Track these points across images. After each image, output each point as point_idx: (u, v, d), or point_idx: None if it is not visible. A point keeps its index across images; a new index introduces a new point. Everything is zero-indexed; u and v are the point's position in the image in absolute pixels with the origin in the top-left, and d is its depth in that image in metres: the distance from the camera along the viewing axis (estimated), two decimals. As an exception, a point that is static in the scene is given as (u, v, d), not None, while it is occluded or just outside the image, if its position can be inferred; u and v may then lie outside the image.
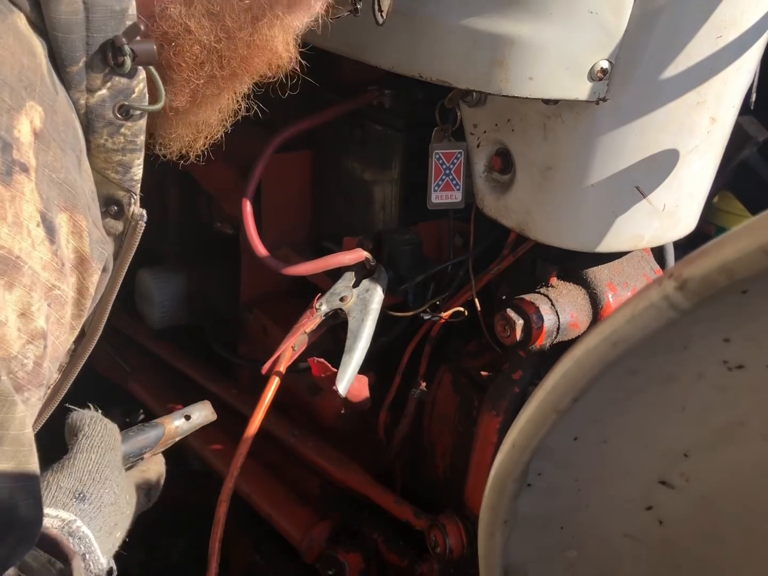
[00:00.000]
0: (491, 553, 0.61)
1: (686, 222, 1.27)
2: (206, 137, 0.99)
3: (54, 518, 0.91)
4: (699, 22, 1.07)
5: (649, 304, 0.43)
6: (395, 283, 1.36)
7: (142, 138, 0.84)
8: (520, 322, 1.24)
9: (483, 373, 1.41)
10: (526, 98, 1.09)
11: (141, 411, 2.75)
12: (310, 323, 1.32)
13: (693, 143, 1.17)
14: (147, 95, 0.82)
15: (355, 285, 1.34)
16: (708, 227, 1.54)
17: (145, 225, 0.87)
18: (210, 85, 0.87)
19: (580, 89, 1.09)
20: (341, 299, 1.32)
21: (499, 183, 1.28)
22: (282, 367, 1.27)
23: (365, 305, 1.31)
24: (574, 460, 0.56)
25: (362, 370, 1.31)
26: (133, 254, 0.88)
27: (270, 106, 1.64)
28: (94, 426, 1.05)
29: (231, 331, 1.74)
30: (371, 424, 1.49)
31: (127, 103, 0.79)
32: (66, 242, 0.74)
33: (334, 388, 1.23)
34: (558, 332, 1.26)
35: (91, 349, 0.94)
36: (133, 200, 0.86)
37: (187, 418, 1.12)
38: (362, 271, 1.36)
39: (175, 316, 1.88)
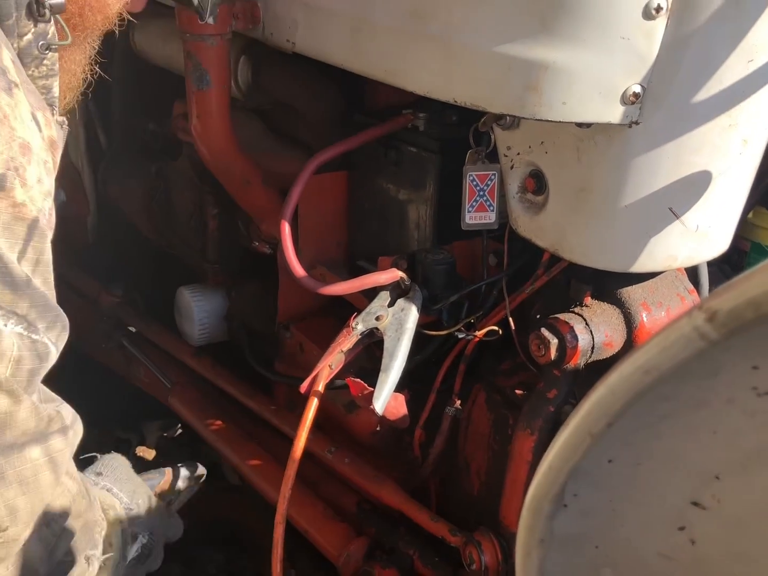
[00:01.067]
0: (528, 571, 0.63)
1: (720, 241, 1.28)
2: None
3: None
4: (730, 46, 1.08)
5: (680, 335, 0.44)
6: (430, 302, 1.38)
7: (56, 66, 1.10)
8: (554, 342, 1.25)
9: (517, 391, 1.42)
10: (560, 122, 1.11)
11: (179, 426, 2.80)
12: (346, 342, 1.34)
13: (725, 164, 1.18)
14: (56, 35, 1.08)
15: (390, 304, 1.37)
16: (743, 243, 1.55)
17: (68, 129, 1.14)
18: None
19: (613, 113, 1.10)
20: (377, 318, 1.35)
21: (532, 204, 1.30)
22: (320, 386, 1.30)
23: (401, 324, 1.33)
24: (608, 482, 0.58)
25: (397, 388, 1.33)
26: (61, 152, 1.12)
27: (305, 129, 1.69)
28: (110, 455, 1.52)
29: (268, 348, 1.78)
30: (406, 441, 1.51)
31: (45, 42, 1.06)
32: (46, 131, 1.00)
33: (372, 407, 1.26)
34: (592, 351, 1.27)
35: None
36: (55, 111, 1.11)
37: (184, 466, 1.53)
38: (397, 291, 1.39)
39: (214, 334, 1.92)
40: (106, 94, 2.22)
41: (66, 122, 1.14)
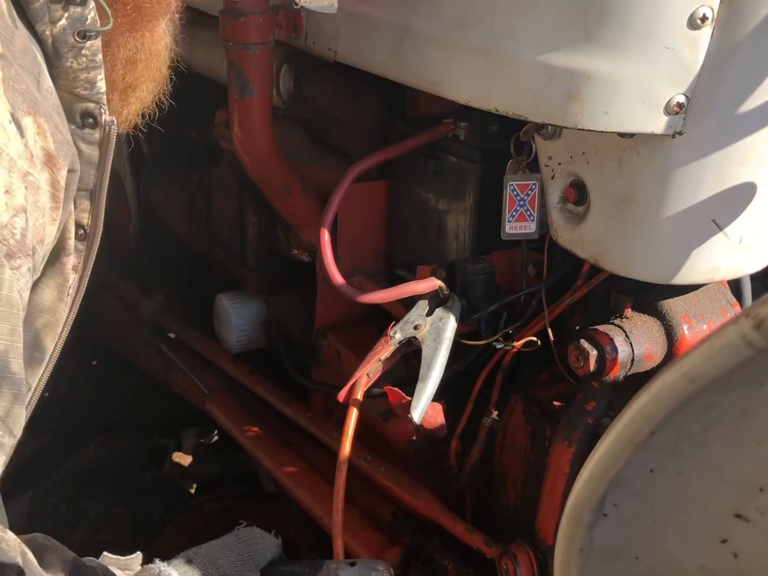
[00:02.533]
0: (568, 579, 0.62)
1: (763, 254, 1.26)
2: (144, 98, 1.11)
3: (156, 565, 1.08)
4: (777, 56, 1.07)
5: (727, 342, 0.44)
6: (468, 312, 1.37)
7: (99, 56, 0.98)
8: (594, 353, 1.24)
9: (555, 403, 1.41)
10: (602, 132, 1.11)
11: (216, 432, 2.82)
12: (384, 351, 1.34)
13: (771, 175, 1.16)
14: (98, 21, 0.97)
15: (429, 313, 1.36)
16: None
17: (116, 129, 1.01)
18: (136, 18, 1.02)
19: (656, 123, 1.09)
20: (415, 327, 1.34)
21: (573, 214, 1.29)
22: (359, 395, 1.30)
23: (439, 334, 1.33)
24: (650, 492, 0.57)
25: (435, 398, 1.32)
26: (112, 156, 1.02)
27: (346, 138, 1.69)
28: (248, 532, 1.19)
29: (306, 356, 1.78)
30: (442, 451, 1.51)
31: (83, 28, 0.95)
32: (33, 141, 0.87)
33: (409, 416, 1.25)
34: (632, 364, 1.25)
35: (96, 248, 1.06)
36: (103, 110, 1.00)
37: (352, 564, 1.12)
38: (435, 300, 1.38)
39: (252, 340, 1.94)
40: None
41: (114, 122, 1.01)
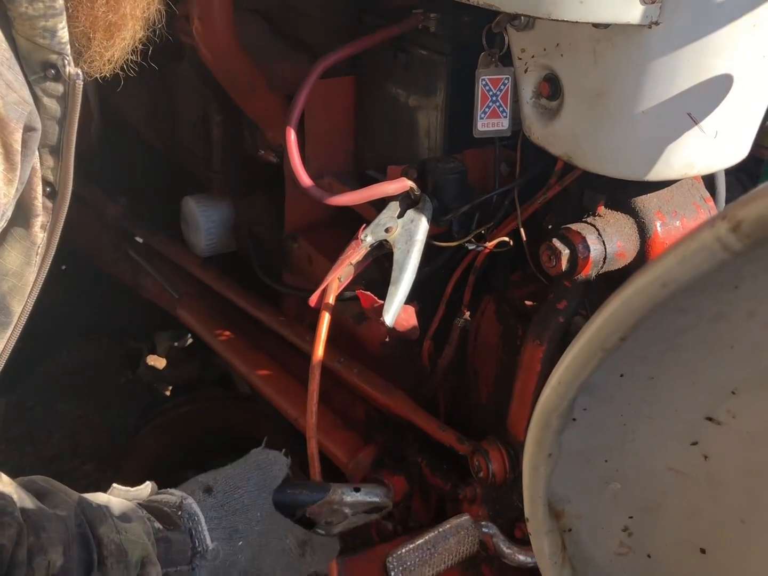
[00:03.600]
0: (535, 485, 0.62)
1: (738, 149, 1.24)
2: (123, 43, 1.00)
3: (170, 494, 1.05)
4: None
5: (702, 246, 0.42)
6: (440, 213, 1.35)
7: (60, 2, 0.89)
8: (566, 252, 1.22)
9: (527, 302, 1.41)
10: (576, 22, 1.06)
11: (189, 336, 2.81)
12: (355, 254, 1.32)
13: (747, 68, 1.13)
14: None
15: (400, 215, 1.34)
16: (761, 151, 1.51)
17: (82, 84, 0.93)
18: None
19: (632, 13, 1.05)
20: (386, 230, 1.32)
21: (546, 109, 1.25)
22: (330, 299, 1.28)
23: (410, 236, 1.30)
24: (620, 396, 0.56)
25: (407, 300, 1.31)
26: (78, 111, 0.95)
27: (313, 31, 1.63)
28: (260, 456, 1.14)
29: (276, 260, 1.76)
30: (415, 352, 1.51)
31: None
32: None
33: (382, 319, 1.24)
34: (604, 262, 1.24)
35: (66, 205, 1.01)
36: (66, 61, 0.92)
37: (357, 489, 1.13)
38: (407, 201, 1.36)
39: (221, 244, 1.91)
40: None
41: (80, 76, 0.92)
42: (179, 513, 1.02)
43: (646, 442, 0.60)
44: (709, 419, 0.55)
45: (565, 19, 1.06)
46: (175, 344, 2.85)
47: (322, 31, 1.58)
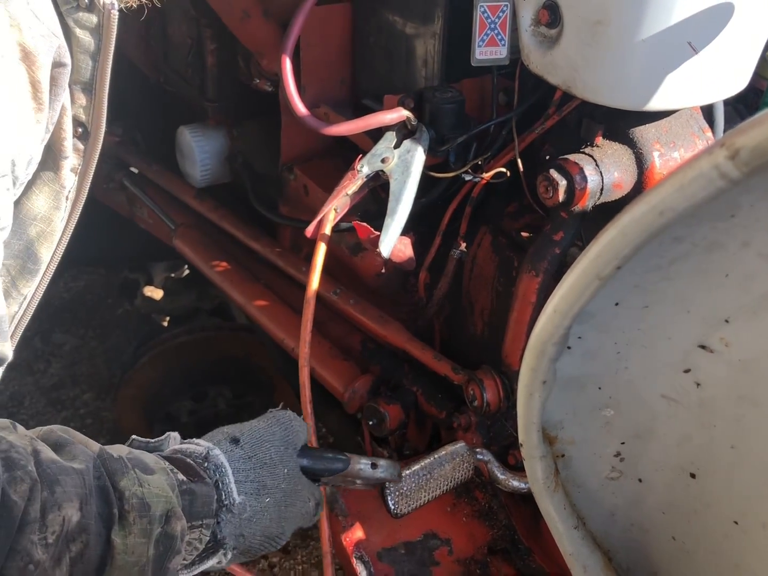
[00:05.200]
0: (530, 411, 0.63)
1: (738, 79, 1.23)
2: None
3: (195, 445, 0.99)
4: None
5: (699, 174, 0.42)
6: (437, 143, 1.34)
7: None
8: (563, 183, 1.22)
9: (523, 234, 1.41)
10: (577, -53, 1.05)
11: (186, 267, 2.81)
12: (351, 185, 1.32)
13: (753, -5, 1.12)
14: None
15: (396, 145, 1.33)
16: (760, 82, 1.49)
17: (117, 14, 0.89)
18: None
19: (634, -63, 1.03)
20: (382, 161, 1.32)
21: (545, 37, 1.23)
22: (326, 230, 1.28)
23: (407, 167, 1.30)
24: (614, 325, 0.57)
25: (403, 231, 1.31)
26: (113, 44, 0.91)
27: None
28: (285, 415, 1.09)
29: (272, 190, 1.75)
30: (411, 282, 1.51)
31: None
32: (6, 34, 0.77)
33: (378, 250, 1.24)
34: (601, 193, 1.24)
35: (99, 146, 0.98)
36: None
37: (374, 466, 1.11)
38: (403, 131, 1.35)
39: (216, 175, 1.89)
40: None
41: (115, 5, 0.88)
42: (205, 465, 0.96)
43: (640, 369, 0.61)
44: (702, 347, 0.56)
45: (566, -56, 1.04)
46: (172, 275, 2.86)
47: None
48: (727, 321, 0.53)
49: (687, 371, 0.58)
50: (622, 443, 0.71)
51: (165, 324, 2.72)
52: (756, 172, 0.40)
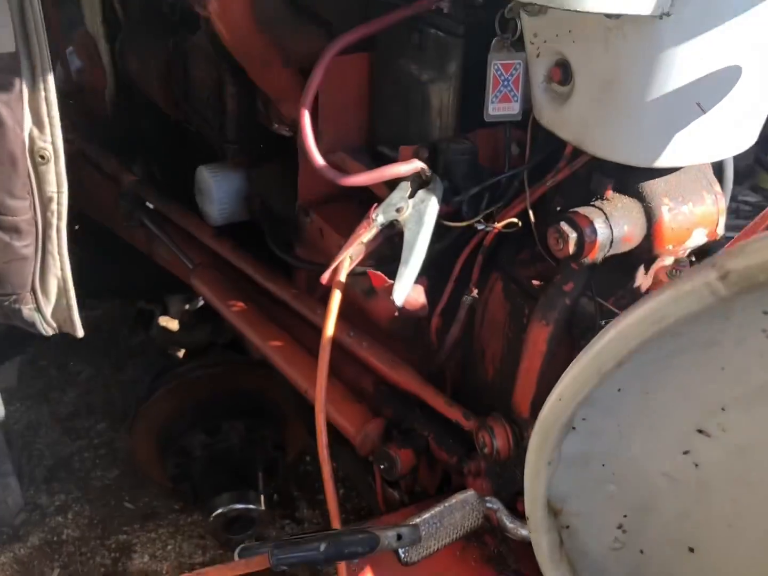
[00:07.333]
0: (535, 488, 0.65)
1: (747, 136, 1.25)
2: None
3: None
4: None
5: (692, 289, 0.45)
6: (450, 194, 1.37)
7: None
8: (573, 236, 1.25)
9: (534, 282, 1.43)
10: (588, 12, 1.08)
11: (200, 298, 2.85)
12: (366, 233, 1.35)
13: (757, 59, 1.14)
14: None
15: (411, 195, 1.36)
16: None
17: None
18: None
19: (644, 3, 1.06)
20: (397, 210, 1.35)
21: (557, 94, 1.27)
22: (342, 277, 1.31)
23: (420, 217, 1.33)
24: (617, 408, 0.59)
25: (416, 278, 1.34)
26: None
27: (327, 6, 1.63)
28: None
29: (288, 232, 1.78)
30: (424, 327, 1.54)
31: None
32: None
33: (392, 298, 1.27)
34: (611, 246, 1.26)
35: None
36: None
37: (399, 537, 1.12)
38: (418, 181, 1.38)
39: (234, 213, 1.93)
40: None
41: None
42: None
43: (641, 448, 0.63)
44: (700, 431, 0.58)
45: (579, 10, 1.07)
46: (187, 306, 2.89)
47: (337, 4, 1.59)
48: (723, 409, 0.55)
49: (686, 453, 0.60)
50: (625, 516, 0.73)
51: (180, 357, 2.75)
52: (743, 291, 0.43)
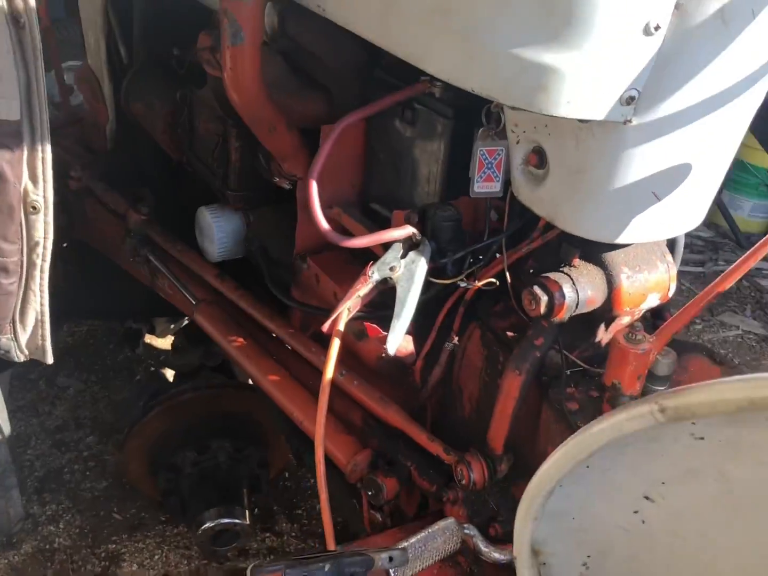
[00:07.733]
0: (524, 535, 0.84)
1: (697, 216, 1.44)
2: None
3: None
4: (716, 62, 1.23)
5: (638, 414, 0.64)
6: (437, 255, 1.55)
7: None
8: (544, 298, 1.43)
9: (508, 333, 1.62)
10: (563, 117, 1.27)
11: (186, 319, 2.97)
12: (363, 288, 1.53)
13: (707, 158, 1.34)
14: None
15: (403, 256, 1.54)
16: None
17: None
18: None
19: (611, 112, 1.25)
20: (390, 269, 1.52)
21: (533, 176, 1.45)
22: (341, 326, 1.49)
23: (411, 275, 1.51)
24: (586, 479, 0.78)
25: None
26: None
27: (327, 76, 1.81)
28: None
29: (285, 275, 1.95)
30: (409, 369, 1.72)
31: None
32: None
33: (385, 347, 1.45)
34: (577, 307, 1.45)
35: None
36: None
37: (391, 559, 1.28)
38: (409, 243, 1.56)
39: (232, 252, 2.10)
40: (128, 5, 2.30)
41: None
42: None
43: (602, 507, 0.82)
44: (646, 498, 0.77)
45: (554, 115, 1.26)
46: (172, 327, 3.04)
47: (336, 76, 1.77)
48: (663, 483, 0.74)
49: (636, 512, 0.79)
50: (588, 556, 0.92)
51: (170, 380, 2.89)
52: (676, 420, 0.61)
